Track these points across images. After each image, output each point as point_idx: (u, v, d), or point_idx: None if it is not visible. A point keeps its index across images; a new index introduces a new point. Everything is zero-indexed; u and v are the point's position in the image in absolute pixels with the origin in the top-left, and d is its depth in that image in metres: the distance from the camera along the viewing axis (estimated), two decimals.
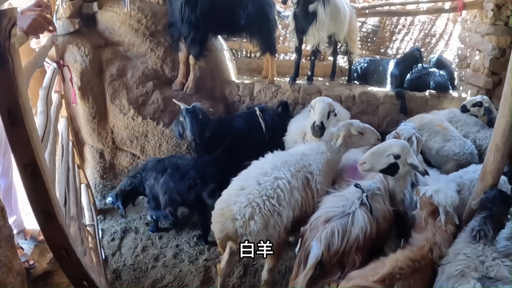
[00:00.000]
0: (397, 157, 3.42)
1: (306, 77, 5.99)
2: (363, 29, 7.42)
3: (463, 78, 7.00)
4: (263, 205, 3.33)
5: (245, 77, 6.37)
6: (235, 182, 3.61)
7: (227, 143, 4.74)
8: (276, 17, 5.74)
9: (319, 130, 3.98)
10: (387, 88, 6.29)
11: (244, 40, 6.17)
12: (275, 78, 5.92)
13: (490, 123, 5.49)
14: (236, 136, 4.85)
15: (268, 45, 5.69)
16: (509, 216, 3.21)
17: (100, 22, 5.28)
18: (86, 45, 4.95)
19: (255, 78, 6.29)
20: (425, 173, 3.51)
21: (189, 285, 4.23)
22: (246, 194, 3.39)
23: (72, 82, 4.80)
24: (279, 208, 3.41)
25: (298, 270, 3.19)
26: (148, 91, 5.20)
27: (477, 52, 6.75)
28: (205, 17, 5.02)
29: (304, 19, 5.35)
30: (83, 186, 4.91)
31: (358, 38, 6.81)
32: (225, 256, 3.81)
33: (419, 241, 3.14)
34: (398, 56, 7.31)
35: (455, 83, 7.03)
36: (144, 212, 5.21)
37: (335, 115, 4.16)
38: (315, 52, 5.70)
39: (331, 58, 6.80)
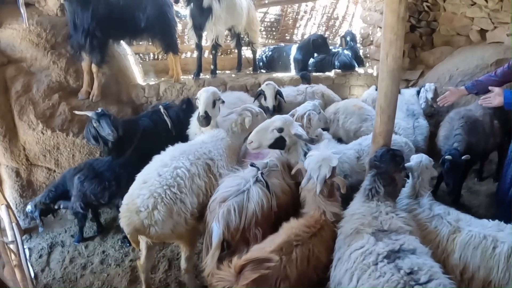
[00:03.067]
0: (280, 130, 3.67)
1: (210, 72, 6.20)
2: (266, 19, 7.72)
3: (368, 55, 7.49)
4: (164, 195, 3.46)
5: (152, 78, 6.51)
6: (138, 177, 3.72)
7: (136, 143, 4.87)
8: (176, 17, 5.90)
9: (204, 120, 4.17)
10: (292, 73, 6.62)
11: (150, 43, 6.26)
12: (180, 76, 6.08)
13: None
14: (143, 135, 4.97)
15: (170, 45, 5.84)
16: (405, 173, 3.52)
17: (1, 41, 5.29)
18: None
19: (162, 78, 6.42)
20: (310, 140, 3.76)
21: (117, 287, 4.33)
22: (148, 186, 3.52)
23: None
24: (181, 195, 3.54)
25: (206, 253, 3.34)
26: (54, 103, 5.20)
27: (378, 29, 7.24)
28: (102, 24, 5.07)
29: (200, 16, 5.55)
30: (3, 207, 4.84)
31: (261, 28, 7.12)
32: (143, 252, 3.94)
33: (309, 210, 3.33)
34: None
35: (362, 60, 7.49)
36: (69, 225, 5.26)
37: (223, 102, 4.36)
38: (215, 46, 5.90)
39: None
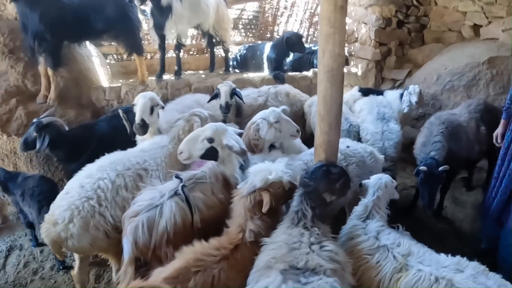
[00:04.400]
0: (210, 140, 3.37)
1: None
2: (244, 16, 7.43)
3: (353, 53, 7.08)
4: (82, 207, 3.33)
5: (121, 80, 6.38)
6: (66, 186, 3.59)
7: (92, 150, 4.67)
8: (141, 16, 5.71)
9: (141, 128, 3.99)
10: (265, 73, 6.31)
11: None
12: (145, 78, 5.91)
13: None
14: (100, 140, 4.79)
15: (133, 46, 5.67)
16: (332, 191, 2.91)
17: None
18: None
19: (131, 80, 6.28)
20: (242, 153, 3.43)
21: None
22: (68, 197, 3.41)
23: None
24: (100, 208, 3.40)
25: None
26: (11, 108, 5.19)
27: (362, 25, 6.84)
28: (52, 26, 4.95)
29: (160, 15, 5.36)
30: None
31: (239, 26, 6.85)
32: (76, 263, 3.83)
33: (231, 225, 3.01)
34: None
35: (346, 59, 7.08)
36: None
37: (162, 107, 4.15)
38: (178, 46, 5.70)
39: None
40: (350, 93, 6.02)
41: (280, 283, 2.33)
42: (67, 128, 4.62)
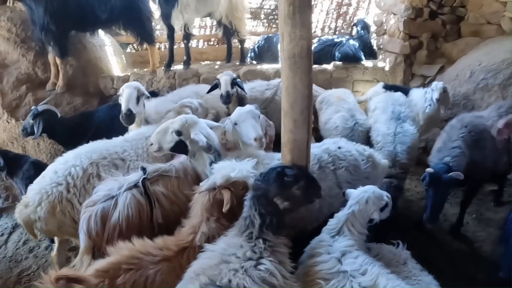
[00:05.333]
0: (178, 133, 3.20)
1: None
2: (266, 6, 7.10)
3: (381, 46, 6.55)
4: (50, 192, 3.39)
5: (135, 69, 6.35)
6: (44, 171, 3.66)
7: (90, 136, 4.70)
8: (153, 6, 5.65)
9: (127, 117, 3.92)
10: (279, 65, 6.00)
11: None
12: (156, 67, 5.87)
13: None
14: (99, 128, 4.83)
15: (144, 35, 5.67)
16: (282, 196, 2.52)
17: None
18: None
19: (145, 69, 6.25)
20: (207, 148, 3.18)
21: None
22: (41, 181, 3.49)
23: None
24: (68, 194, 3.43)
25: None
26: (21, 94, 5.43)
27: (391, 15, 6.31)
28: (57, 18, 5.07)
29: (166, 4, 5.30)
30: None
31: (261, 16, 6.56)
32: (56, 245, 3.92)
33: (185, 227, 2.81)
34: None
35: (374, 52, 6.60)
36: None
37: (148, 97, 4.03)
38: (187, 36, 5.58)
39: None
40: (374, 90, 5.54)
41: None
42: (59, 116, 4.71)
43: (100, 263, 2.52)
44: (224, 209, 2.65)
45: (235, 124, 3.48)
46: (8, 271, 4.44)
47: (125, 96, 3.92)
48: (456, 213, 4.51)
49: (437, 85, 4.82)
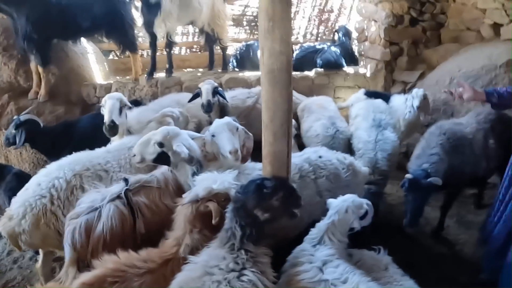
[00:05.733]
0: (160, 145, 3.21)
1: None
2: (248, 13, 7.16)
3: (362, 52, 6.64)
4: (34, 204, 3.37)
5: (118, 77, 6.35)
6: (27, 183, 3.63)
7: (72, 146, 4.68)
8: (136, 13, 5.66)
9: (111, 129, 3.93)
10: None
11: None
12: (139, 75, 5.89)
13: None
14: (81, 138, 4.79)
15: (126, 43, 5.69)
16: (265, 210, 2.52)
17: None
18: None
19: (127, 77, 6.25)
20: (189, 160, 3.23)
21: (33, 284, 4.27)
22: (25, 194, 3.47)
23: None
24: (52, 207, 3.42)
25: None
26: (3, 103, 5.40)
27: (372, 22, 6.41)
28: (39, 27, 5.05)
29: (148, 13, 5.32)
30: None
31: (244, 23, 6.62)
32: (40, 256, 3.88)
33: (169, 239, 2.82)
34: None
35: (356, 59, 6.69)
36: None
37: (130, 108, 4.06)
38: (169, 44, 5.59)
39: None
40: (356, 96, 5.62)
41: None
42: (42, 125, 4.68)
43: (86, 276, 2.53)
44: (214, 221, 2.67)
45: (213, 136, 3.48)
46: None
47: (108, 107, 3.92)
48: (437, 216, 4.58)
49: (417, 92, 4.91)
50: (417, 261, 3.35)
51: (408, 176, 3.83)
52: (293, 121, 4.73)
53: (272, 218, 2.59)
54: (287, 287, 2.71)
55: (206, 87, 4.61)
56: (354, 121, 5.01)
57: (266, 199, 2.54)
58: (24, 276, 4.45)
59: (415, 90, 4.94)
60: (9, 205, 4.12)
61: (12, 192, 4.11)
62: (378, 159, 4.41)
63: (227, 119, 3.62)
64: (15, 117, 4.60)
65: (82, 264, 2.98)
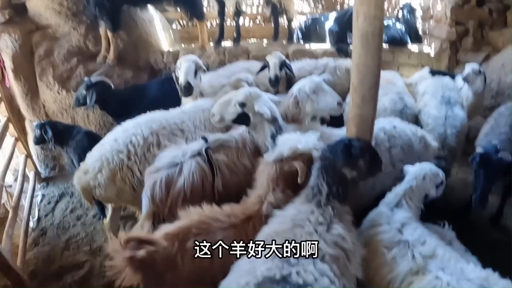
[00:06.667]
0: (242, 105, 3.24)
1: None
2: None
3: (427, 31, 6.48)
4: (111, 159, 3.46)
5: (183, 45, 6.44)
6: (103, 139, 3.75)
7: (141, 109, 4.77)
8: None
9: (186, 90, 3.99)
10: (328, 45, 6.00)
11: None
12: (206, 44, 5.93)
13: None
14: (150, 101, 4.85)
15: (193, 11, 5.70)
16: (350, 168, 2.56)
17: (29, 9, 5.72)
18: (16, 32, 5.45)
19: (193, 45, 6.34)
20: (273, 120, 3.26)
21: (96, 241, 4.52)
22: (101, 149, 3.56)
23: (4, 66, 5.35)
24: (128, 162, 3.50)
25: None
26: (72, 67, 5.52)
27: (439, 1, 6.21)
28: None
29: None
30: (22, 156, 5.42)
31: None
32: (109, 212, 4.05)
33: (251, 197, 2.86)
34: None
35: (420, 37, 6.53)
36: None
37: (204, 71, 4.11)
38: (237, 13, 5.61)
39: None
40: (420, 74, 5.50)
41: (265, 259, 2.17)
42: (112, 87, 4.79)
43: (170, 227, 2.59)
44: (300, 181, 2.69)
45: (313, 93, 3.52)
46: (56, 238, 4.61)
47: (183, 68, 3.98)
48: (497, 203, 4.44)
49: (468, 65, 4.79)
50: (474, 245, 3.29)
51: (478, 150, 3.75)
52: None
53: (358, 177, 2.64)
54: (366, 247, 2.73)
55: (273, 61, 4.58)
56: (422, 98, 4.91)
57: (354, 159, 2.58)
58: (88, 232, 4.65)
59: (469, 65, 4.80)
60: (78, 163, 4.27)
61: (82, 150, 4.28)
62: (447, 135, 4.34)
63: (316, 78, 3.66)
64: (86, 78, 4.71)
65: (158, 219, 3.07)
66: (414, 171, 3.06)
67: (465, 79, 4.71)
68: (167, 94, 4.96)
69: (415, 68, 6.01)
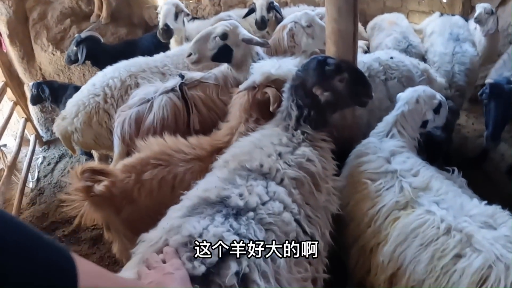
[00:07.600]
0: (223, 36, 3.00)
1: None
2: None
3: None
4: (87, 103, 3.38)
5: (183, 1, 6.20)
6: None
7: None
8: None
9: (164, 32, 3.91)
10: None
11: None
12: None
13: None
14: (143, 55, 4.72)
15: None
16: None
17: None
18: None
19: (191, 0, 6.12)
20: (265, 43, 3.10)
21: None
22: (79, 95, 3.51)
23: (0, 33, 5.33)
24: (105, 105, 3.40)
25: None
26: (66, 27, 5.43)
27: None
28: None
29: None
30: (22, 120, 5.41)
31: None
32: (96, 160, 4.06)
33: (222, 129, 2.63)
34: None
35: None
36: None
37: (187, 15, 4.03)
38: None
39: None
40: (430, 19, 5.12)
41: (225, 181, 1.84)
42: (102, 41, 4.69)
43: (129, 159, 2.43)
44: (272, 108, 2.39)
45: (308, 26, 3.34)
46: (52, 196, 4.64)
47: (163, 12, 3.90)
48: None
49: (479, 5, 4.45)
50: (488, 196, 2.98)
51: (488, 80, 3.49)
52: (363, 41, 4.41)
53: (334, 101, 2.25)
54: (349, 179, 2.47)
55: (260, 2, 4.34)
56: (429, 38, 4.57)
57: (328, 77, 2.23)
58: None
59: (481, 5, 4.47)
60: None
61: None
62: (455, 72, 4.05)
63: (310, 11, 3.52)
64: (76, 35, 4.65)
65: None
66: (405, 95, 2.70)
67: (477, 20, 4.38)
68: (160, 47, 4.69)
69: (426, 16, 5.62)
